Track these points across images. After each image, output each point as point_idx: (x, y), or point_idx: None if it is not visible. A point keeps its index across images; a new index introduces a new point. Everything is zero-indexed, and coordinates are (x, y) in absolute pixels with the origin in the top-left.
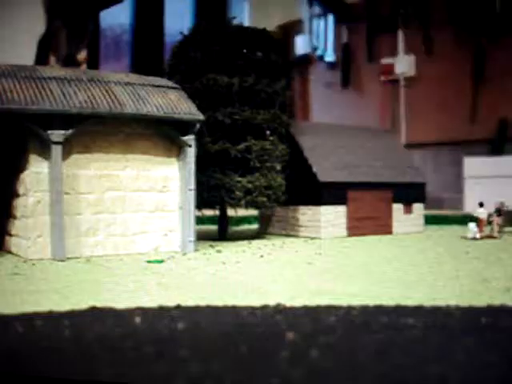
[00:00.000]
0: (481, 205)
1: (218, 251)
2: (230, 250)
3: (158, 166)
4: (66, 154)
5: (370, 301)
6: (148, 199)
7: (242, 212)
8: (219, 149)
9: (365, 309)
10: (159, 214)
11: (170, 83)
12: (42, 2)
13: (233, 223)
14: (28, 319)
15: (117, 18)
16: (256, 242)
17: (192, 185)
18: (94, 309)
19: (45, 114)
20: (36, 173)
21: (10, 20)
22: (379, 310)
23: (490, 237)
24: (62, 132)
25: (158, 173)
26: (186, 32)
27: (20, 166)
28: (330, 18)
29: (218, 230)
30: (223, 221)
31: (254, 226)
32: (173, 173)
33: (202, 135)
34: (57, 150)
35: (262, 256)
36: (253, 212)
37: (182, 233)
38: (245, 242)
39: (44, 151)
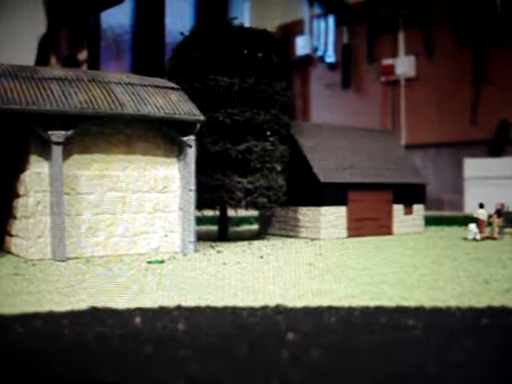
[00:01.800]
0: (481, 206)
1: (219, 252)
2: (231, 251)
3: (159, 166)
4: (66, 155)
5: (371, 302)
6: (148, 200)
7: (242, 213)
8: (220, 149)
9: (365, 310)
10: (159, 215)
11: (171, 84)
12: (42, 2)
13: (233, 224)
14: (28, 319)
15: (117, 19)
16: (256, 243)
17: (192, 185)
18: (94, 309)
19: (45, 114)
20: (36, 173)
21: (10, 20)
22: (380, 310)
23: (491, 238)
24: (63, 132)
25: (159, 173)
26: (186, 33)
27: (20, 166)
28: (331, 18)
29: (218, 231)
30: (223, 221)
31: (255, 227)
32: (173, 173)
33: (202, 136)
34: (57, 151)
35: (262, 256)
36: (253, 213)
37: (183, 233)
38: (245, 243)
39: (44, 151)
